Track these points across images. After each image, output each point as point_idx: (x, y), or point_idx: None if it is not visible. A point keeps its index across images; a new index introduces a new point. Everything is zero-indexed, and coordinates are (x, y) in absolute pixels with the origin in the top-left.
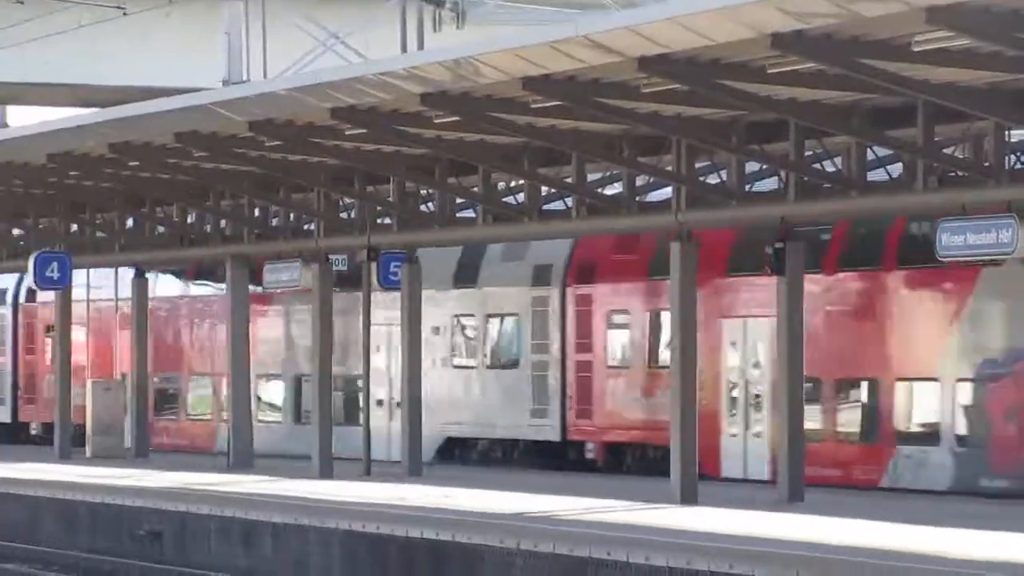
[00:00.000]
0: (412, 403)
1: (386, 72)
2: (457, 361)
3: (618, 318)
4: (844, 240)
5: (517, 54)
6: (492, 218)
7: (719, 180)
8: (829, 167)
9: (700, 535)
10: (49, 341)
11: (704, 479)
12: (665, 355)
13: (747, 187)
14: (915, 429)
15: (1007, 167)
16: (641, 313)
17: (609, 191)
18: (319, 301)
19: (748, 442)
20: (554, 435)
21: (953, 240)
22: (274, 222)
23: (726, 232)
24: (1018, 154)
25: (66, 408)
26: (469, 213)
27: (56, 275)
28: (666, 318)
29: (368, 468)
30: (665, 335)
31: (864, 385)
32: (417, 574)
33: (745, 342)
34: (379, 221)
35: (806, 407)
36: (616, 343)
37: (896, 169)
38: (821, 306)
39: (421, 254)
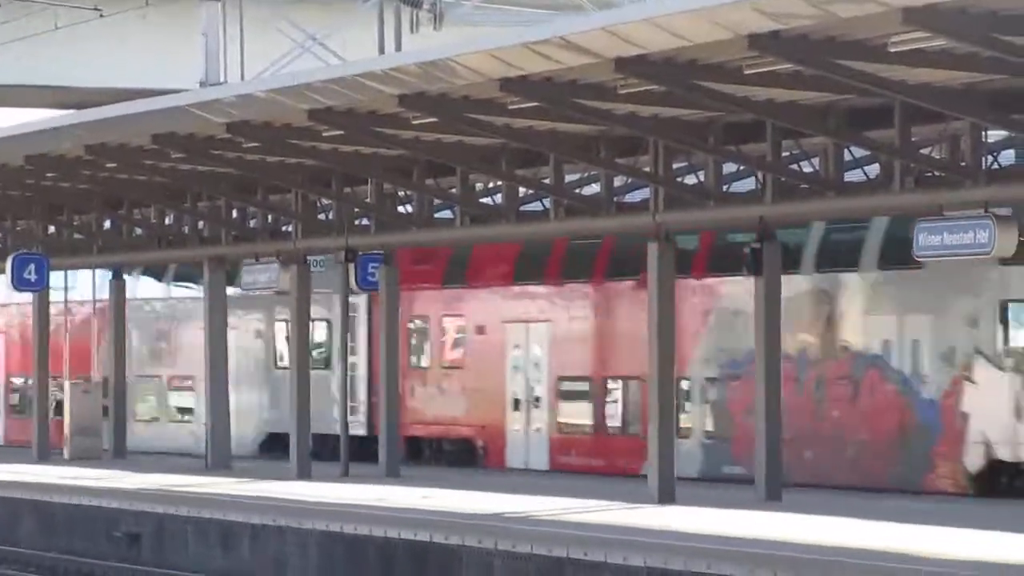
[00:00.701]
0: (389, 405)
1: (363, 73)
2: (279, 363)
3: (416, 323)
4: (612, 251)
5: (494, 55)
6: (470, 219)
7: (697, 181)
8: (806, 168)
9: (677, 535)
10: None
11: (489, 470)
12: (453, 356)
13: (724, 188)
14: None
15: (984, 167)
16: (436, 319)
17: (587, 192)
18: (297, 303)
19: (530, 436)
20: (361, 430)
21: (930, 240)
22: (252, 223)
23: (511, 245)
24: (995, 154)
25: (44, 410)
26: (447, 214)
27: (33, 277)
28: (455, 323)
29: (346, 469)
30: (455, 338)
31: (627, 384)
32: (396, 575)
33: (527, 345)
34: (357, 222)
35: (577, 405)
36: (415, 346)
37: (873, 170)
38: (592, 312)
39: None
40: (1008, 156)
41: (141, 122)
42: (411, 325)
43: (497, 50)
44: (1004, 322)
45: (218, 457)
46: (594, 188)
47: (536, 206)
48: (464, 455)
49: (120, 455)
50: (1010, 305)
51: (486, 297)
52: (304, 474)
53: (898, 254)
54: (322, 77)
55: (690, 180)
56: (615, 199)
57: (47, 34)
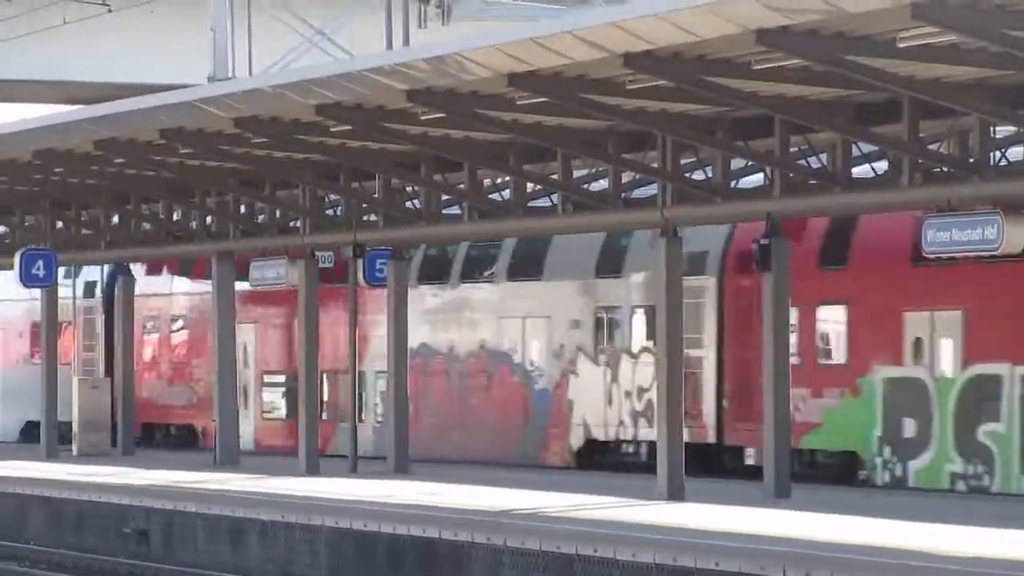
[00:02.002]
0: (399, 398)
1: (372, 69)
2: (35, 359)
3: (149, 324)
4: None
5: (502, 51)
6: (478, 215)
7: (705, 176)
8: (815, 163)
9: (687, 532)
10: None
11: (206, 450)
12: (179, 353)
13: (732, 183)
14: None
15: (992, 163)
16: (166, 319)
17: (595, 187)
18: (305, 298)
19: (241, 422)
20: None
21: (939, 236)
22: (260, 219)
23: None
24: (1003, 150)
25: (52, 406)
26: (456, 210)
27: (42, 273)
28: (180, 323)
29: (355, 465)
30: (181, 337)
31: (322, 377)
32: (405, 572)
33: (239, 343)
34: (365, 218)
35: (274, 395)
36: (148, 345)
37: (882, 166)
38: (281, 316)
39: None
40: (1016, 152)
41: (149, 117)
42: (145, 327)
43: (505, 45)
44: (598, 325)
45: (226, 453)
46: (602, 184)
47: (544, 202)
48: (187, 439)
49: (128, 451)
50: (602, 311)
51: (201, 300)
52: (313, 470)
53: (522, 268)
54: (330, 72)
55: (698, 176)
56: (623, 195)
57: (55, 29)
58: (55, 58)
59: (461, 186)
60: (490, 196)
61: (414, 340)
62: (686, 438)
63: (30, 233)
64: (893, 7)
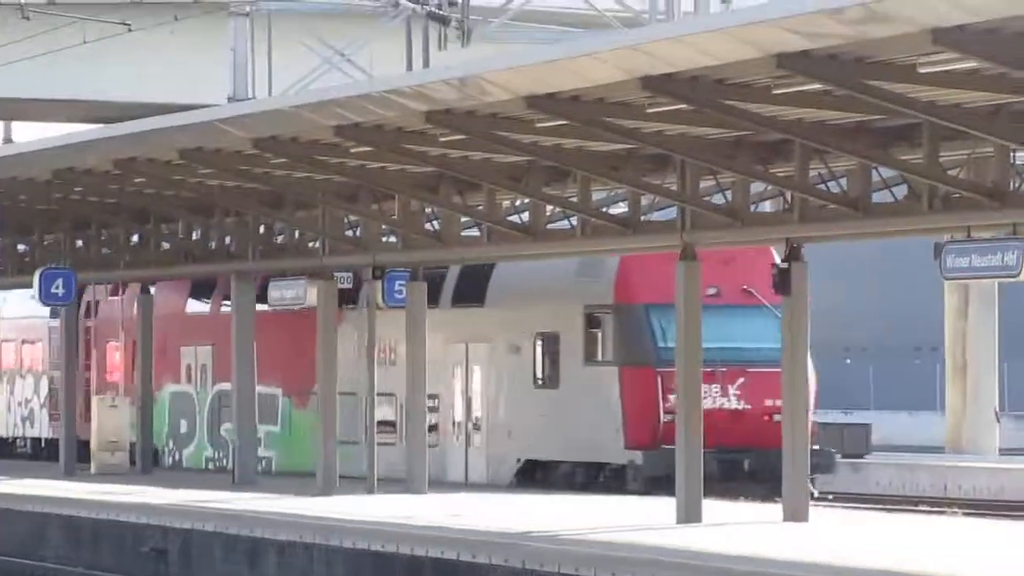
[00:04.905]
0: (417, 421)
1: (391, 90)
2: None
3: None
4: None
5: (522, 72)
6: (496, 236)
7: (724, 200)
8: (834, 188)
9: (706, 555)
10: None
11: None
12: None
13: (753, 207)
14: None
15: (1012, 189)
16: None
17: (615, 210)
18: (323, 319)
19: None
20: None
21: (958, 262)
22: (279, 239)
23: None
24: (1023, 176)
25: (71, 424)
26: (475, 232)
27: (61, 291)
28: None
29: (373, 485)
30: None
31: None
32: None
33: None
34: (384, 239)
35: None
36: None
37: (901, 191)
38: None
39: None
40: None
41: (169, 137)
42: None
43: (524, 67)
44: (18, 352)
45: (244, 473)
46: (621, 207)
47: (563, 224)
48: None
49: (147, 470)
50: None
51: None
52: (329, 490)
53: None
54: (349, 93)
55: (718, 199)
56: (643, 218)
57: (75, 48)
58: (75, 77)
59: (480, 208)
60: (509, 218)
61: None
62: (51, 434)
63: (49, 252)
64: (914, 33)
